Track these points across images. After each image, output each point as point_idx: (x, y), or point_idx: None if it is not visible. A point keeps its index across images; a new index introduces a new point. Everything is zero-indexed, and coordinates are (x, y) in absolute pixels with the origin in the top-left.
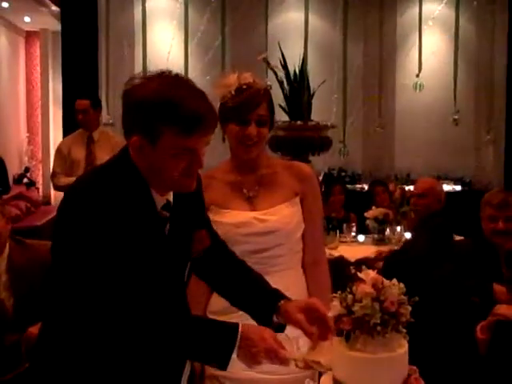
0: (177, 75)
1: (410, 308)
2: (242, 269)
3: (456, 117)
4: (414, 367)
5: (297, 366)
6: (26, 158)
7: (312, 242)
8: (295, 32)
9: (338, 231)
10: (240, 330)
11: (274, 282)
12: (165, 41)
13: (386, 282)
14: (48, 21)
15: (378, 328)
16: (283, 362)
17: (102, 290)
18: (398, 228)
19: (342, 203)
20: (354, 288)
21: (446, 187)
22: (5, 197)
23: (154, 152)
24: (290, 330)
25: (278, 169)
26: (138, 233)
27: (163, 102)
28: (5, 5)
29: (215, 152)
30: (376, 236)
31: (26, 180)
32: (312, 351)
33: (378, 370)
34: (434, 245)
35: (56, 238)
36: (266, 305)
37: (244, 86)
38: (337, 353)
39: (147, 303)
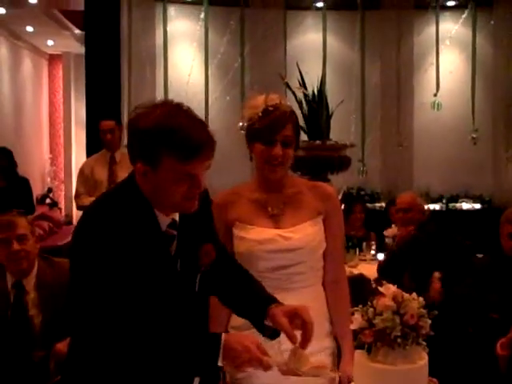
0: (178, 104)
1: (429, 321)
2: (243, 278)
3: (474, 135)
4: (435, 379)
5: (280, 371)
6: (49, 179)
7: (333, 260)
8: (313, 53)
9: (357, 249)
10: (222, 340)
11: (294, 298)
12: (185, 63)
13: (406, 295)
14: (70, 44)
15: (399, 340)
16: (267, 368)
17: (113, 305)
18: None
19: (361, 222)
20: (374, 302)
21: (466, 205)
22: (28, 217)
23: (156, 177)
24: None
25: (303, 188)
26: (144, 252)
27: (163, 131)
28: (29, 29)
29: (245, 170)
30: None
31: (48, 200)
32: (293, 357)
33: (398, 381)
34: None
35: (71, 259)
36: (258, 310)
37: (271, 108)
38: (358, 364)
39: (155, 316)
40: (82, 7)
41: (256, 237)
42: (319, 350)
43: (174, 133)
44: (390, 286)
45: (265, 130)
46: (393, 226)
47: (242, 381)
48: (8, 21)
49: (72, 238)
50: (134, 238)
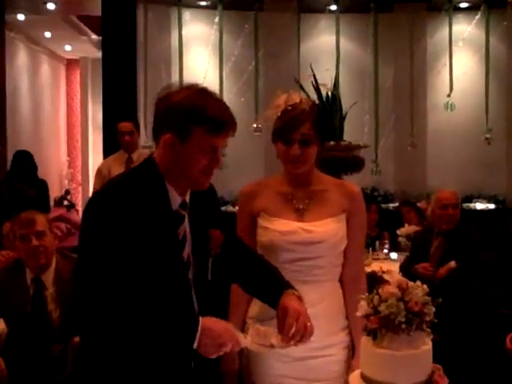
0: (204, 87)
1: (433, 308)
2: (257, 260)
3: (488, 136)
4: (439, 365)
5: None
6: (66, 181)
7: (353, 258)
8: (327, 55)
9: (370, 249)
10: (201, 321)
11: (311, 291)
12: (200, 65)
13: (411, 283)
14: (88, 49)
15: (403, 326)
16: (239, 347)
17: (120, 280)
18: None
19: (376, 222)
20: (380, 289)
21: (480, 205)
22: (48, 216)
23: (183, 149)
24: None
25: (329, 186)
26: (153, 228)
27: (196, 106)
28: (47, 35)
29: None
30: (408, 254)
31: (66, 202)
32: (257, 336)
33: (402, 365)
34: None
35: (81, 232)
36: (275, 293)
37: (289, 108)
38: (364, 350)
39: (151, 292)
40: (98, 13)
41: (279, 228)
42: (334, 344)
43: (206, 109)
44: (395, 274)
45: (283, 129)
46: (406, 225)
47: (261, 376)
48: (26, 26)
49: (84, 211)
50: (144, 213)
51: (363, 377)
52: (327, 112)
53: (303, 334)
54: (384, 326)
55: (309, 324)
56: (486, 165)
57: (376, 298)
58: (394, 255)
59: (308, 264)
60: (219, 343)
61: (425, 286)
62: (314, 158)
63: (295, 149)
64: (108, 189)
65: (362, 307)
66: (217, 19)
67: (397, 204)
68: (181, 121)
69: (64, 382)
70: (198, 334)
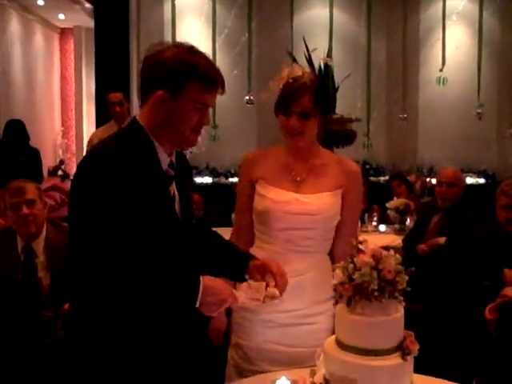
0: (192, 45)
1: (406, 277)
2: (219, 239)
3: (479, 110)
4: (411, 332)
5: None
6: (61, 151)
7: (345, 234)
8: (320, 27)
9: (359, 221)
10: (202, 279)
11: (298, 260)
12: (193, 37)
13: (385, 252)
14: (81, 18)
15: (376, 294)
16: (237, 303)
17: (118, 239)
18: None
19: (365, 195)
20: (355, 258)
21: (470, 180)
22: (41, 187)
23: (175, 105)
24: None
25: (329, 161)
26: (146, 187)
27: (189, 62)
28: (40, 3)
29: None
30: (397, 226)
31: (60, 172)
32: (249, 290)
33: (375, 331)
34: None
35: (72, 193)
36: (240, 265)
37: (290, 80)
38: (339, 316)
39: (149, 251)
40: None
41: (275, 197)
42: (321, 312)
43: (199, 65)
44: (370, 243)
45: (283, 101)
46: (395, 198)
47: (246, 340)
48: None
49: (75, 173)
50: (136, 173)
51: (338, 342)
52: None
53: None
54: (358, 294)
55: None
56: (476, 140)
57: (351, 266)
58: (382, 227)
59: (299, 234)
60: (220, 300)
61: (398, 256)
62: (313, 132)
63: (294, 120)
64: (98, 151)
65: (338, 275)
66: None
67: (387, 177)
68: (175, 75)
69: (52, 346)
70: (200, 293)
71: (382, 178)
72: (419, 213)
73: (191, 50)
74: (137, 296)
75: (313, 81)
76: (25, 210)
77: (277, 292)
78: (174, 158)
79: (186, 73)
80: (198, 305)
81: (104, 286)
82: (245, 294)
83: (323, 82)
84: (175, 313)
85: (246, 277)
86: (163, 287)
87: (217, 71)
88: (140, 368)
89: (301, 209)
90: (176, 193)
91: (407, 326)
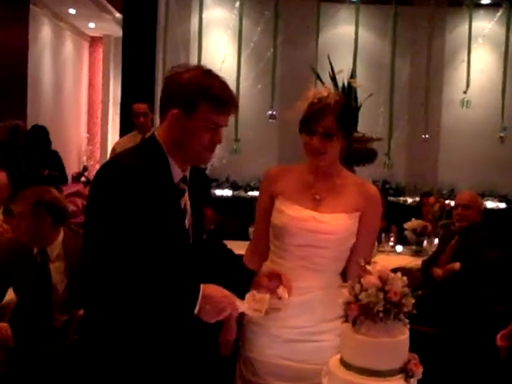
0: (209, 69)
1: (412, 300)
2: (228, 252)
3: (502, 134)
4: (415, 354)
5: (247, 313)
6: (85, 158)
7: (359, 257)
8: (345, 45)
9: (376, 241)
10: (201, 288)
11: (310, 277)
12: (219, 50)
13: (392, 274)
14: (111, 27)
15: (381, 315)
16: (237, 312)
17: (125, 247)
18: (436, 240)
19: (382, 214)
20: (362, 279)
21: (490, 204)
22: (64, 193)
23: (188, 123)
24: None
25: (349, 183)
26: (157, 199)
27: (203, 84)
28: (72, 11)
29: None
30: (414, 247)
31: (83, 179)
32: (253, 301)
33: (379, 352)
34: (479, 255)
35: (88, 204)
36: (245, 282)
37: (315, 100)
38: (344, 336)
39: (154, 261)
40: None
41: (292, 213)
42: (328, 330)
43: (212, 87)
44: (377, 264)
45: (306, 120)
46: (413, 219)
47: (255, 354)
48: (51, 2)
49: (93, 181)
50: (147, 185)
51: (342, 361)
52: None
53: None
54: (363, 314)
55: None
56: (498, 164)
57: (357, 286)
58: (399, 248)
59: (313, 252)
60: (218, 309)
61: (404, 278)
62: (335, 152)
63: (316, 140)
64: (114, 163)
65: (344, 295)
66: (237, 4)
67: (407, 198)
68: (189, 96)
69: (64, 351)
70: (199, 301)
71: (401, 198)
72: (441, 235)
73: (207, 73)
74: (139, 301)
75: (337, 102)
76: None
77: (279, 304)
78: (187, 173)
79: (200, 93)
80: (196, 311)
81: (112, 292)
82: (248, 304)
83: (348, 104)
84: (175, 318)
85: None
86: (163, 293)
87: (230, 93)
88: (149, 374)
89: (317, 227)
90: (188, 206)
91: (422, 349)
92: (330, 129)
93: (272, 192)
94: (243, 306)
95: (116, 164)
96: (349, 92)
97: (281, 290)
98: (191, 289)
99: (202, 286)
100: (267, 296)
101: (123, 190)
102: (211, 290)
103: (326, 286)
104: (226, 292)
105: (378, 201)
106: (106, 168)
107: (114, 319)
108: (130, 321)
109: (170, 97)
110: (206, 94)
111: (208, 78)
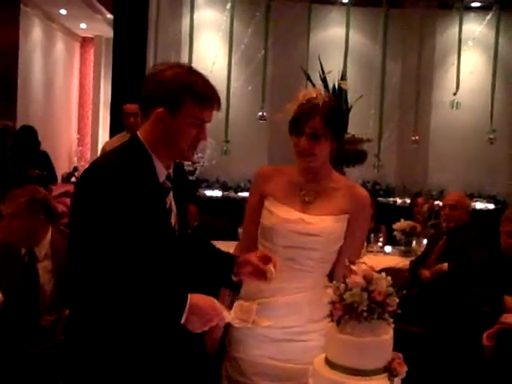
0: (191, 66)
1: (397, 300)
2: (210, 245)
3: (491, 136)
4: (400, 354)
5: (234, 323)
6: (76, 159)
7: (346, 258)
8: (336, 47)
9: (365, 241)
10: (189, 298)
11: (296, 279)
12: (210, 51)
13: (376, 274)
14: (102, 28)
15: (365, 314)
16: (224, 322)
17: (112, 249)
18: (425, 241)
19: (372, 215)
20: (347, 279)
21: (479, 205)
22: (54, 193)
23: (173, 121)
24: None
25: (339, 185)
26: (142, 199)
27: (187, 81)
28: (63, 12)
29: (263, 157)
30: (403, 248)
31: (73, 179)
32: (240, 311)
33: (363, 351)
34: (466, 255)
35: (74, 208)
36: (227, 265)
37: (304, 101)
38: (329, 335)
39: (142, 262)
40: None
41: (281, 214)
42: (315, 330)
43: (196, 84)
44: (362, 264)
45: (295, 121)
46: (402, 220)
47: (241, 354)
48: (42, 2)
49: (77, 183)
50: (133, 186)
51: (327, 360)
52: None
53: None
54: (347, 313)
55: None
56: (487, 165)
57: (342, 286)
58: (388, 248)
59: (300, 253)
60: (205, 320)
61: (389, 278)
62: (324, 154)
63: (304, 141)
64: (98, 164)
65: (329, 294)
66: (229, 6)
67: (397, 199)
68: (173, 94)
69: (51, 350)
70: (186, 311)
71: (391, 199)
72: (430, 236)
73: (190, 71)
74: (126, 305)
75: (326, 103)
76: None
77: (267, 322)
78: (171, 171)
79: (184, 90)
80: (183, 321)
81: (98, 293)
82: (235, 314)
83: (337, 106)
84: (161, 326)
85: (234, 278)
86: (150, 300)
87: (213, 89)
88: (135, 372)
89: (305, 229)
90: (173, 204)
91: (409, 349)
92: (318, 129)
93: (262, 192)
94: (230, 316)
95: (97, 168)
96: (339, 93)
97: (270, 267)
98: (178, 298)
99: (189, 295)
100: (254, 306)
101: (107, 193)
102: (198, 300)
103: (313, 287)
104: (214, 302)
105: (367, 204)
106: (88, 173)
107: (100, 320)
108: (115, 322)
109: (153, 96)
110: (190, 91)
111: (191, 75)
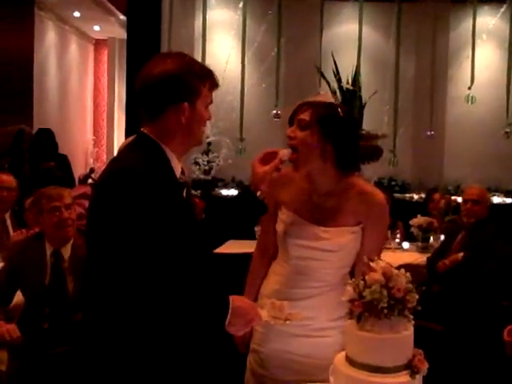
0: (182, 52)
1: (416, 296)
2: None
3: (508, 130)
4: (420, 350)
5: (268, 322)
6: (91, 160)
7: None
8: (349, 43)
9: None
10: (231, 301)
11: (312, 284)
12: (223, 50)
13: (395, 271)
14: (116, 30)
15: (385, 311)
16: (262, 321)
17: (136, 248)
18: (442, 236)
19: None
20: (366, 276)
21: (496, 199)
22: (72, 194)
23: (193, 111)
24: None
25: (354, 192)
26: (169, 198)
27: (194, 68)
28: (76, 14)
29: None
30: (420, 244)
31: (90, 180)
32: (273, 309)
33: (383, 348)
34: (489, 250)
35: (97, 212)
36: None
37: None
38: (349, 333)
39: (177, 266)
40: None
41: (294, 227)
42: (335, 327)
43: (203, 67)
44: (381, 261)
45: (292, 113)
46: (418, 216)
47: (262, 347)
48: (56, 6)
49: (98, 189)
50: (159, 186)
51: (347, 358)
52: (347, 101)
53: None
54: (367, 311)
55: None
56: (504, 159)
57: (361, 283)
58: (406, 245)
59: (315, 265)
60: (247, 320)
61: (408, 274)
62: (306, 147)
63: (291, 129)
64: (121, 168)
65: (348, 292)
66: (241, 4)
67: (413, 194)
68: (190, 84)
69: (74, 352)
70: (229, 314)
71: (407, 195)
72: (446, 231)
73: (187, 57)
74: (165, 311)
75: (324, 103)
76: (65, 214)
77: (300, 316)
78: (183, 165)
79: (198, 78)
80: (226, 324)
81: (133, 299)
82: (268, 312)
83: (337, 113)
84: (204, 331)
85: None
86: (194, 306)
87: (208, 68)
88: (155, 375)
89: (319, 244)
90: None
91: (429, 346)
92: (305, 121)
93: (276, 199)
94: (264, 313)
95: (123, 171)
96: (353, 91)
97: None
98: (221, 302)
99: (230, 298)
100: (286, 303)
101: (138, 196)
102: (238, 301)
103: (330, 290)
104: (251, 302)
105: (381, 207)
106: (114, 176)
107: (129, 324)
108: (148, 327)
109: (166, 92)
110: (202, 76)
111: (192, 61)
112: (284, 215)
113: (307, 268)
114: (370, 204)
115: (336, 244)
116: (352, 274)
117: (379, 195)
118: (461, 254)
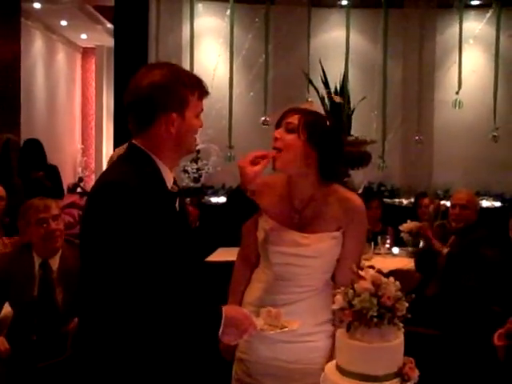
0: (168, 62)
1: (406, 304)
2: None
3: (495, 134)
4: (411, 358)
5: (262, 330)
6: (80, 169)
7: (347, 269)
8: (337, 50)
9: (372, 243)
10: (224, 311)
11: (294, 290)
12: (211, 58)
13: (385, 279)
14: (103, 38)
15: (375, 320)
16: (256, 330)
17: (134, 266)
18: None
19: (378, 217)
20: (355, 284)
21: (485, 203)
22: (60, 204)
23: (183, 121)
24: None
25: (331, 199)
26: (158, 209)
27: (182, 77)
28: (63, 23)
29: None
30: (410, 249)
31: (79, 189)
32: (269, 317)
33: (374, 357)
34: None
35: (89, 225)
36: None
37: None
38: (339, 341)
39: (169, 277)
40: (113, 2)
41: (275, 234)
42: (320, 331)
43: (191, 77)
44: (370, 270)
45: (279, 118)
46: (408, 221)
47: (247, 355)
48: (43, 15)
49: (89, 202)
50: (150, 200)
51: (338, 367)
52: (336, 107)
53: None
54: (357, 320)
55: None
56: (492, 163)
57: (351, 292)
58: (395, 250)
59: (297, 271)
60: (241, 330)
61: (397, 283)
62: (292, 152)
63: (277, 131)
64: (111, 181)
65: (338, 300)
66: (228, 12)
67: (403, 200)
68: (178, 94)
69: (63, 364)
70: (222, 325)
71: (396, 200)
72: (435, 236)
73: (175, 66)
74: (156, 323)
75: (313, 112)
76: (53, 225)
77: (296, 324)
78: (174, 174)
79: (186, 87)
80: (219, 334)
81: (125, 311)
82: (264, 320)
83: (324, 122)
84: (196, 341)
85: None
86: (186, 318)
87: (197, 76)
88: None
89: (300, 251)
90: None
91: (420, 351)
92: (292, 124)
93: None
94: (260, 322)
95: (114, 184)
96: (342, 95)
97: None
98: (214, 313)
99: (223, 308)
100: (281, 311)
101: (127, 211)
102: (231, 311)
103: (313, 296)
104: (245, 311)
105: (360, 212)
106: (105, 189)
107: (121, 335)
108: (141, 338)
109: (156, 103)
110: (190, 86)
111: (180, 70)
112: (264, 222)
113: (289, 274)
114: (350, 210)
115: (316, 250)
116: (333, 278)
117: (358, 201)
118: (446, 250)
